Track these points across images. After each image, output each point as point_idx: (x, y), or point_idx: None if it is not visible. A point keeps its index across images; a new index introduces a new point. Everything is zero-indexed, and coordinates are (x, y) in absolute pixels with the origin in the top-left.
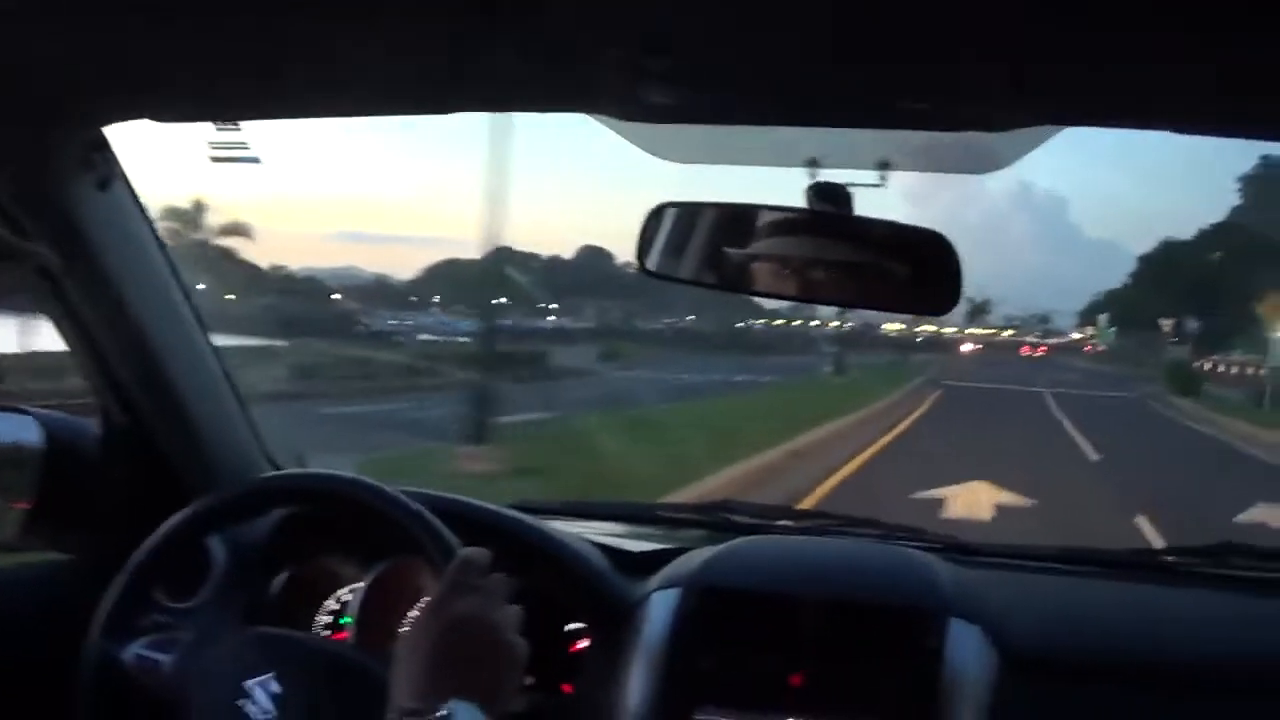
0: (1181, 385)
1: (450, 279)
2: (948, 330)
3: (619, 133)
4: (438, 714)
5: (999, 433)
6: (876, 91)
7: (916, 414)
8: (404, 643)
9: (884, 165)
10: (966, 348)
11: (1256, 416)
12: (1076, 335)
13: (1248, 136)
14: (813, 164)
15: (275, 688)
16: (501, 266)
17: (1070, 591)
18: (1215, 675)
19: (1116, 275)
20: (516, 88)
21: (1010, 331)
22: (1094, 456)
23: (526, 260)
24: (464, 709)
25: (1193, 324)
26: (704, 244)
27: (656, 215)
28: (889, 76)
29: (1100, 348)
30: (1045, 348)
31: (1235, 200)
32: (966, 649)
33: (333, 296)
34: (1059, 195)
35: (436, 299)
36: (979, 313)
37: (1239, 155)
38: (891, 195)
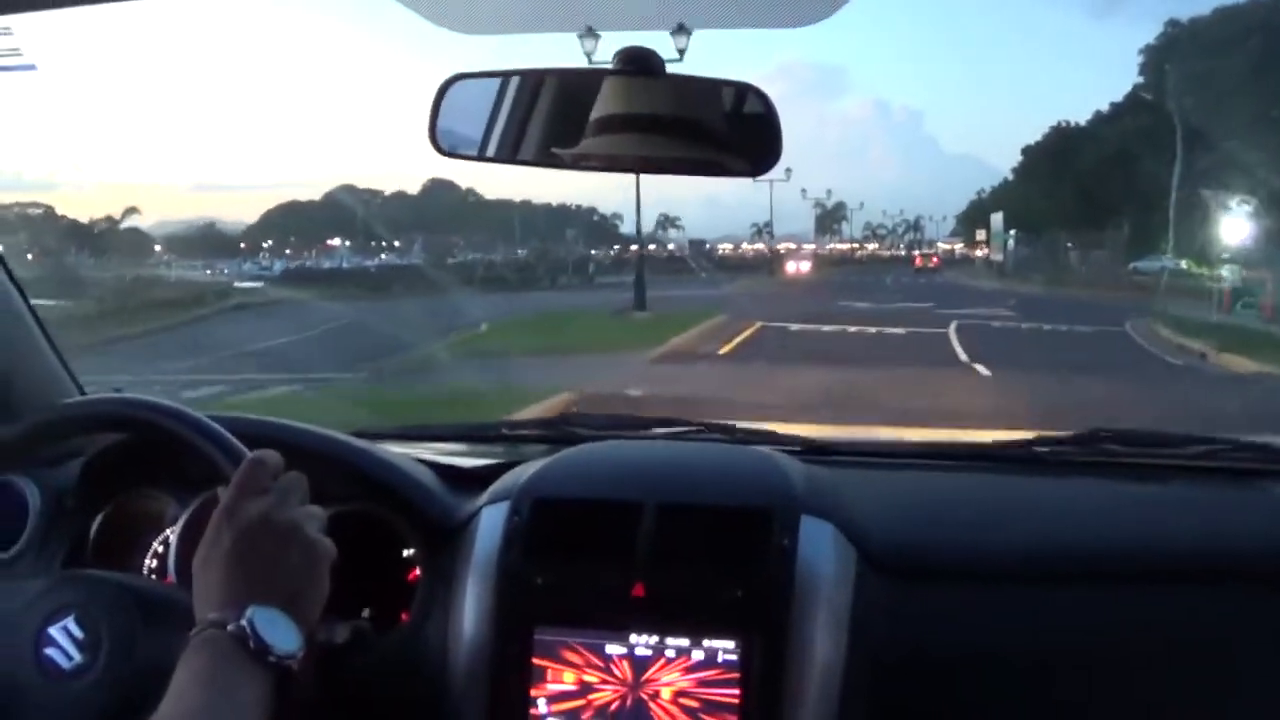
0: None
1: (283, 224)
2: (806, 247)
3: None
4: (238, 622)
5: None
6: None
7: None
8: (198, 558)
9: (682, 28)
10: (794, 266)
11: None
12: (952, 246)
13: None
14: (590, 33)
15: (76, 631)
16: (336, 206)
17: (934, 486)
18: (1084, 563)
19: (992, 174)
20: None
21: (874, 245)
22: None
23: (369, 198)
24: (264, 613)
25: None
26: (504, 117)
27: (447, 89)
28: None
29: (995, 257)
30: (937, 258)
31: (1130, 79)
32: (820, 548)
33: (155, 249)
34: (915, 109)
35: (268, 244)
36: (831, 220)
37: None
38: None
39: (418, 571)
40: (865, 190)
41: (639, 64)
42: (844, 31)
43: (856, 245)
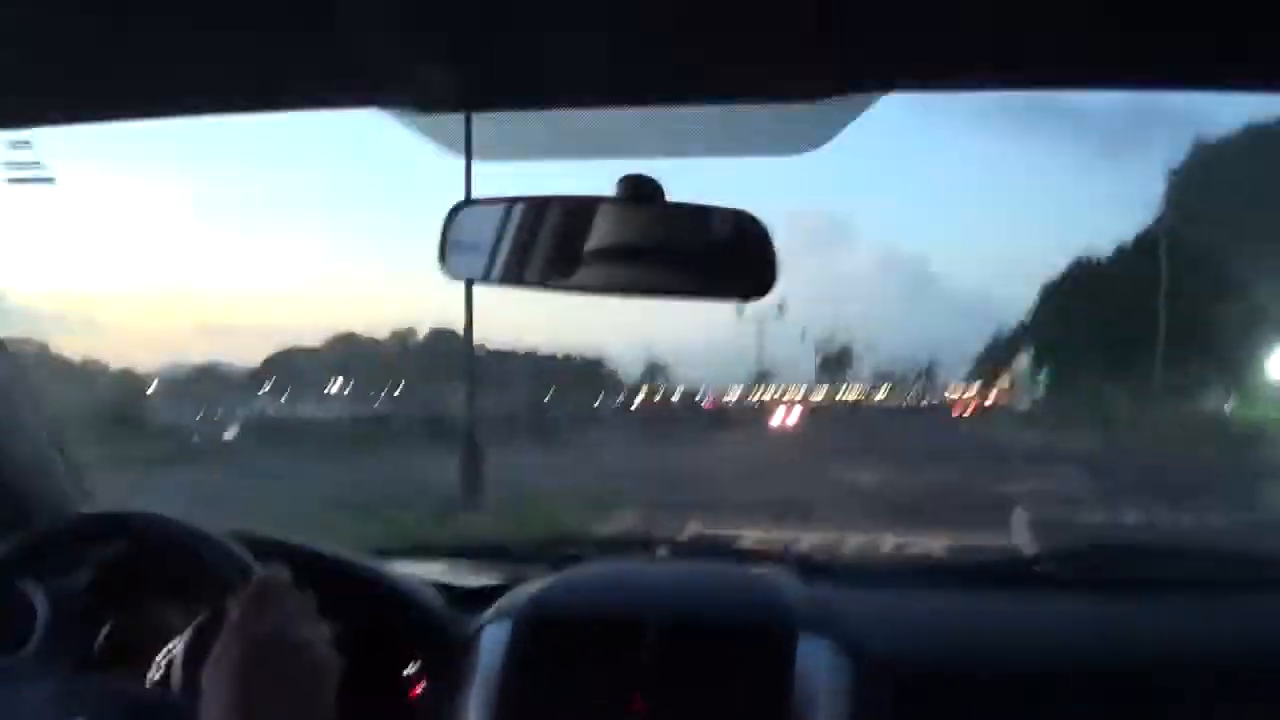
0: None
1: (286, 367)
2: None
3: (415, 129)
4: None
5: None
6: (678, 67)
7: None
8: (207, 672)
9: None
10: (779, 420)
11: None
12: (967, 393)
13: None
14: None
15: None
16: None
17: (931, 603)
18: (1083, 683)
19: (1010, 316)
20: (292, 82)
21: (886, 389)
22: None
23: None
24: None
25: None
26: (506, 242)
27: (455, 215)
28: (688, 45)
29: (1019, 403)
30: (976, 401)
31: (1152, 210)
32: (817, 664)
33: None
34: (920, 253)
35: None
36: (836, 365)
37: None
38: None
39: (420, 689)
40: (873, 336)
41: (637, 191)
42: (850, 182)
43: (866, 391)
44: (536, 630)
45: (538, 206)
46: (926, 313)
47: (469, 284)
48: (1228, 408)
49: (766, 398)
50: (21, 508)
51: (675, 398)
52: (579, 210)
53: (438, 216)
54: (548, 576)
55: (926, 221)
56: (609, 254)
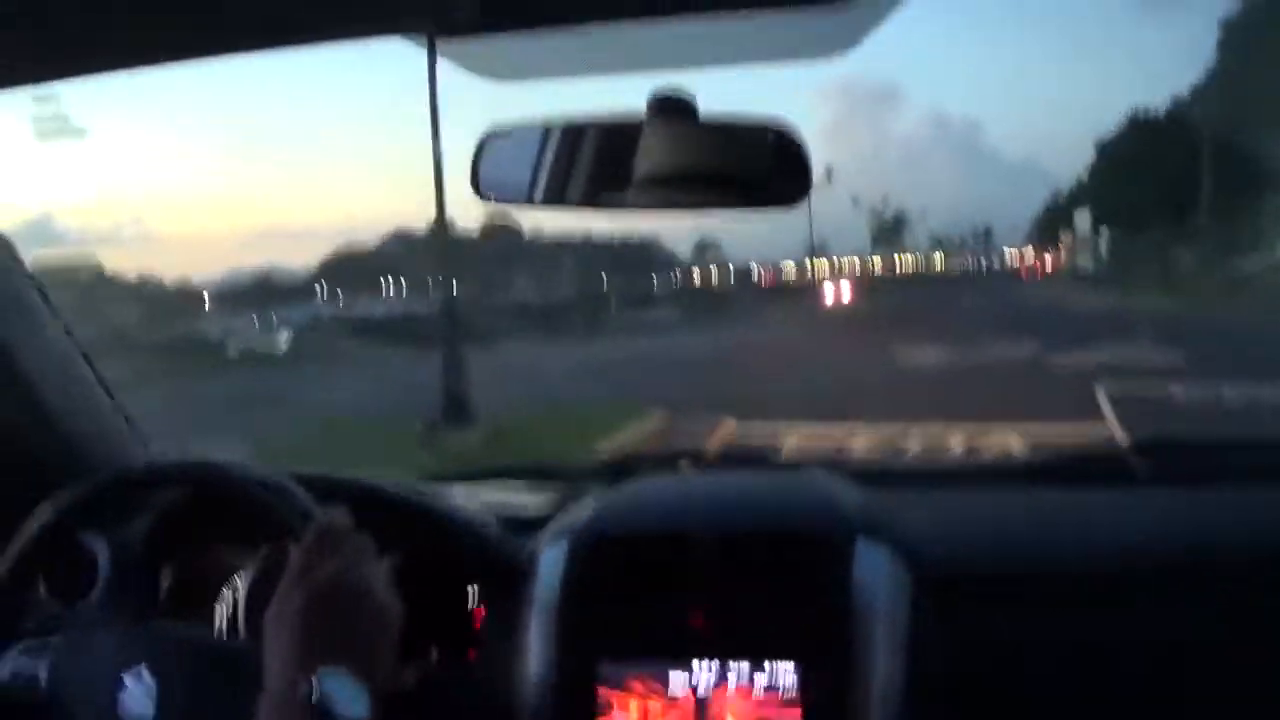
0: None
1: (340, 270)
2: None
3: (445, 56)
4: (308, 687)
5: None
6: None
7: None
8: (269, 618)
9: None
10: (831, 294)
11: None
12: (1028, 257)
13: None
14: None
15: (150, 681)
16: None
17: (989, 504)
18: (1142, 578)
19: (1065, 176)
20: (310, 15)
21: (940, 255)
22: None
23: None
24: (335, 679)
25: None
26: (539, 166)
27: (487, 141)
28: None
29: (1082, 264)
30: (1039, 263)
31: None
32: (877, 571)
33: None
34: (971, 117)
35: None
36: (890, 232)
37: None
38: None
39: (482, 611)
40: (927, 202)
41: (668, 107)
42: (897, 50)
43: (923, 258)
44: (593, 551)
45: (569, 128)
46: (980, 176)
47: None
48: None
49: (822, 272)
50: (80, 458)
51: (729, 278)
52: (611, 130)
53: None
54: (600, 496)
55: (976, 84)
56: (643, 173)
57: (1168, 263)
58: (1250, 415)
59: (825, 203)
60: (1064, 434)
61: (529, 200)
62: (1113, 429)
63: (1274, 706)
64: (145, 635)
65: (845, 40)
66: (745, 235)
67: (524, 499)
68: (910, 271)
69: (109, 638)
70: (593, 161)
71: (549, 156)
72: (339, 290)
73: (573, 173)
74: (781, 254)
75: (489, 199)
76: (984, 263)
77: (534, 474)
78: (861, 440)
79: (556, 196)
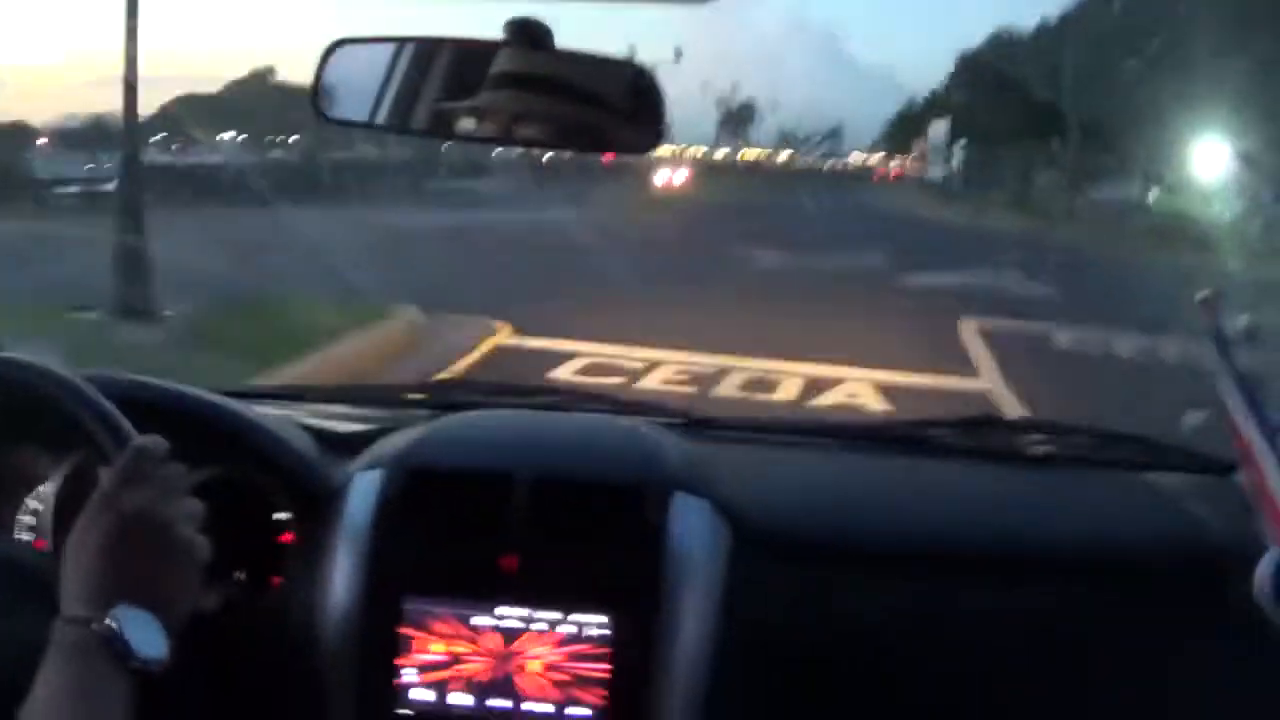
0: None
1: (177, 118)
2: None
3: None
4: (104, 623)
5: None
6: None
7: None
8: (71, 542)
9: None
10: (664, 178)
11: None
12: (875, 159)
13: None
14: None
15: None
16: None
17: (816, 465)
18: (961, 550)
19: (916, 90)
20: None
21: (788, 153)
22: None
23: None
24: (133, 616)
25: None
26: (390, 85)
27: (331, 54)
28: None
29: (933, 174)
30: (900, 169)
31: None
32: (693, 525)
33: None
34: (831, 20)
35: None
36: (737, 122)
37: None
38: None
39: (290, 535)
40: (778, 97)
41: (527, 35)
42: None
43: (768, 153)
44: (407, 480)
45: (422, 46)
46: (832, 80)
47: None
48: (1150, 198)
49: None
50: None
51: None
52: (465, 52)
53: None
54: (421, 425)
55: None
56: (497, 95)
57: (1025, 183)
58: (1141, 370)
59: (671, 86)
60: (927, 386)
61: (370, 120)
62: (990, 381)
63: (1084, 678)
64: None
65: None
66: None
67: (344, 421)
68: (755, 162)
69: None
70: (441, 81)
71: (397, 74)
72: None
73: (417, 92)
74: None
75: (326, 116)
76: (834, 163)
77: (355, 396)
78: (660, 376)
79: (398, 119)
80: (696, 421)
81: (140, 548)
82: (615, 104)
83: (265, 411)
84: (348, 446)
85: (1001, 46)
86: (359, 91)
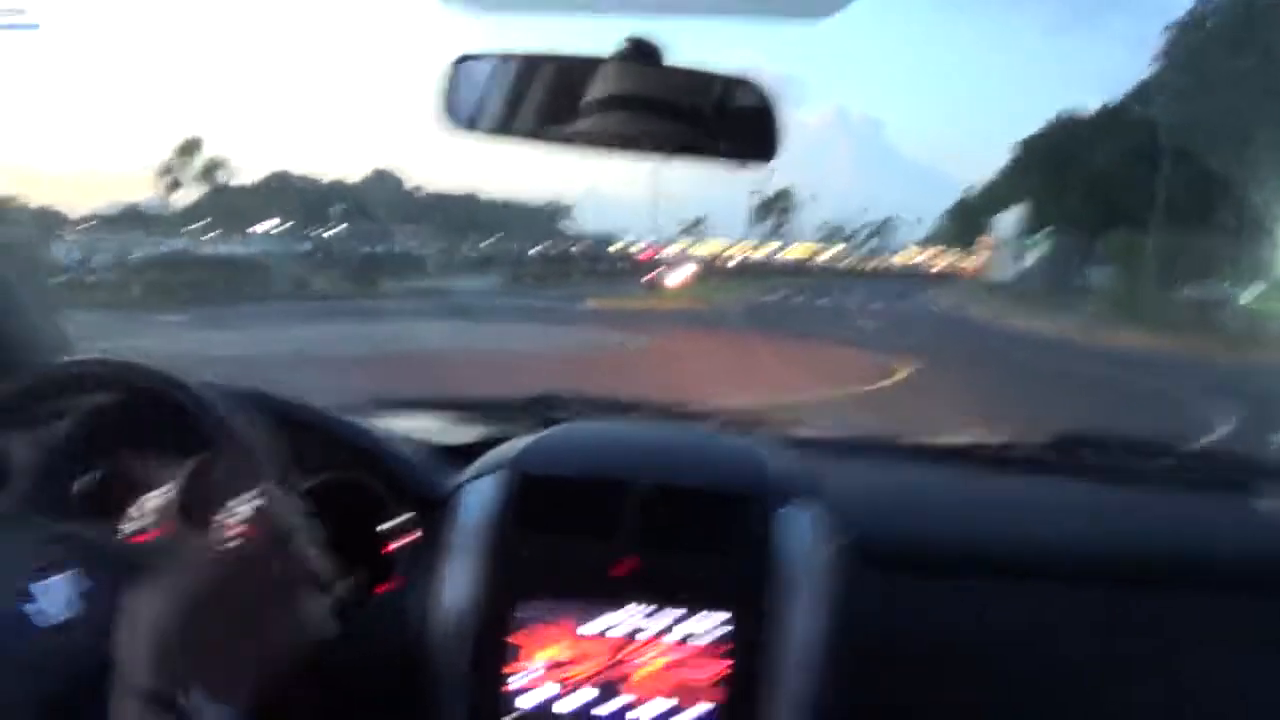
0: None
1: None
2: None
3: None
4: (176, 705)
5: None
6: None
7: None
8: (184, 566)
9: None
10: (669, 278)
11: None
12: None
13: None
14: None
15: (64, 587)
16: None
17: (913, 479)
18: (1055, 563)
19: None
20: None
21: (838, 248)
22: None
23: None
24: (209, 709)
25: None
26: (505, 95)
27: (457, 68)
28: None
29: (1000, 273)
30: (967, 267)
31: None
32: (801, 534)
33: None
34: (875, 118)
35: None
36: (772, 213)
37: None
38: None
39: (393, 546)
40: (817, 187)
41: (639, 52)
42: (806, 43)
43: (810, 252)
44: (523, 485)
45: (538, 62)
46: (876, 177)
47: None
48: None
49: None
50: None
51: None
52: (579, 66)
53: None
54: (531, 435)
55: (879, 84)
56: (608, 106)
57: (1133, 280)
58: None
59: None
60: None
61: (486, 128)
62: None
63: (1180, 690)
64: (59, 540)
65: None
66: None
67: (451, 431)
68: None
69: (25, 538)
70: (555, 92)
71: (513, 85)
72: None
73: (532, 102)
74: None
75: (454, 125)
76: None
77: (468, 406)
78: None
79: (514, 125)
80: (802, 439)
81: (235, 630)
82: (726, 114)
83: (375, 422)
84: (456, 456)
85: (1068, 129)
86: (478, 102)
